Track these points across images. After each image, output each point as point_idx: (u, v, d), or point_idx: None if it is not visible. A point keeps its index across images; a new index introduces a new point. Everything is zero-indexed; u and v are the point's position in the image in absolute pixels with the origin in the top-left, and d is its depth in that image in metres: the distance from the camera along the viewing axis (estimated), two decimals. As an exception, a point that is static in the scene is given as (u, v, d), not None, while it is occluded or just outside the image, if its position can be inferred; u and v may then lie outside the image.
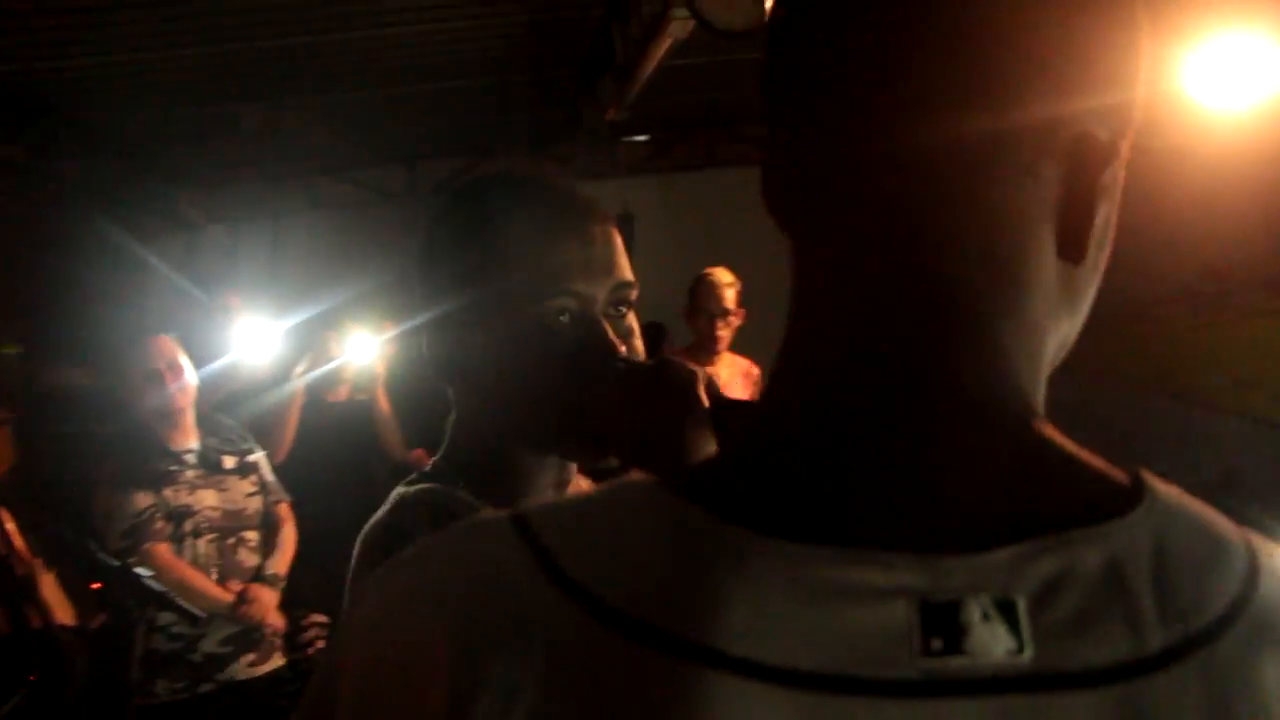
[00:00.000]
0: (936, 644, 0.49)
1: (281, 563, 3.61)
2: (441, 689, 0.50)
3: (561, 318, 1.14)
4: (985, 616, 0.49)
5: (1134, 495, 0.54)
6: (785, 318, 0.61)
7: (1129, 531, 0.53)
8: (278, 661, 3.58)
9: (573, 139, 6.84)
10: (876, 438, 0.54)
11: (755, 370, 4.23)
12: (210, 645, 3.42)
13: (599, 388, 1.10)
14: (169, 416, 3.51)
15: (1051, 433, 0.57)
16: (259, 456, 3.71)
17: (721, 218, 7.57)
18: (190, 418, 3.56)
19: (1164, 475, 0.58)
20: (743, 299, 4.23)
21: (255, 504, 3.61)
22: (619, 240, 1.19)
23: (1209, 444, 7.62)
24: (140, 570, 3.30)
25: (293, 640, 3.78)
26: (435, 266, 1.21)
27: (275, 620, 3.51)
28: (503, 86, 5.95)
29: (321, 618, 4.15)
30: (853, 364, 0.56)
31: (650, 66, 4.44)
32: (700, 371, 1.08)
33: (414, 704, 0.51)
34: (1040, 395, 0.58)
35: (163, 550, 3.36)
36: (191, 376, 3.54)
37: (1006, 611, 0.49)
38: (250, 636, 3.46)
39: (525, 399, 1.15)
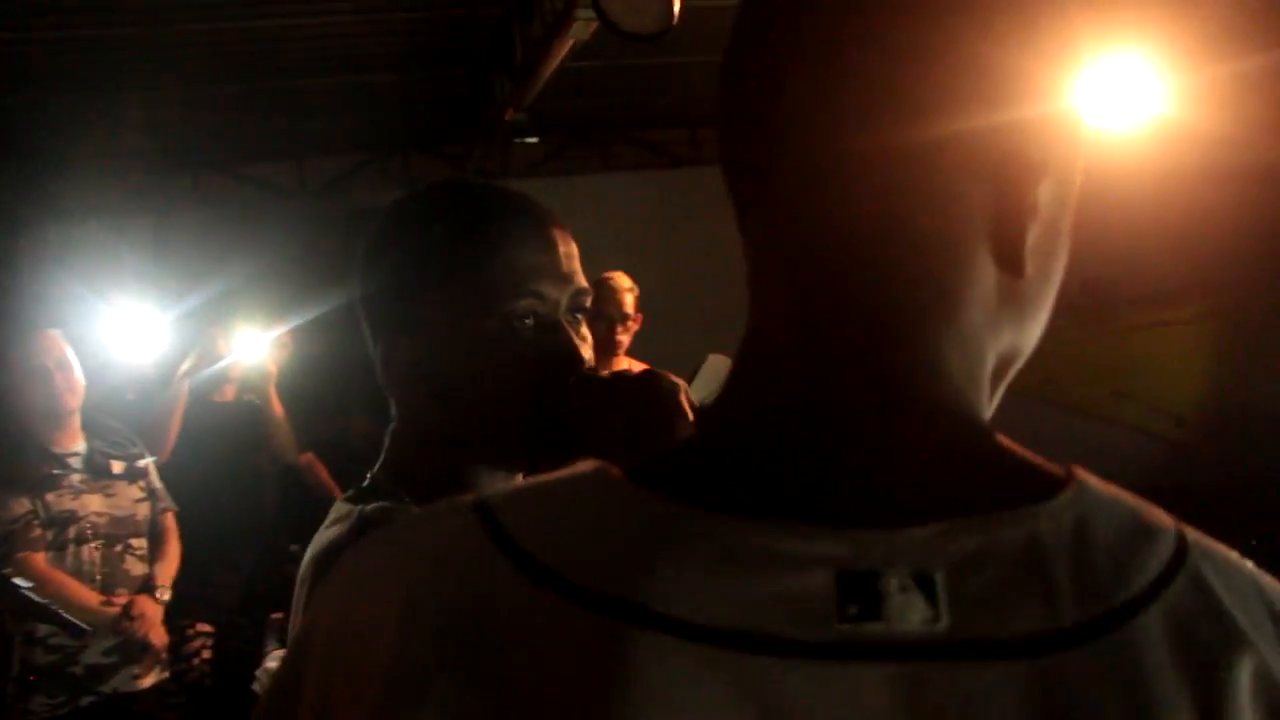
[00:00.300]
0: (853, 610, 0.51)
1: (167, 574, 3.48)
2: (380, 668, 0.52)
3: (526, 320, 1.12)
4: (903, 587, 0.52)
5: (1061, 484, 0.57)
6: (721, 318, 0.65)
7: (1052, 514, 0.55)
8: (162, 674, 3.46)
9: (466, 139, 6.76)
10: (812, 426, 0.58)
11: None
12: (92, 656, 3.27)
13: (565, 396, 1.10)
14: (55, 417, 3.36)
15: (987, 430, 0.60)
16: (148, 462, 3.56)
17: (618, 222, 7.58)
18: (77, 419, 3.41)
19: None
20: (640, 304, 4.23)
21: (143, 510, 3.47)
22: (575, 247, 1.18)
23: (1089, 452, 7.84)
24: (19, 581, 3.14)
25: (177, 651, 3.65)
26: (384, 267, 1.17)
27: (160, 635, 3.37)
28: (396, 84, 5.85)
29: (206, 627, 4.03)
30: (794, 362, 0.60)
31: (551, 67, 4.41)
32: (680, 383, 1.13)
33: (362, 685, 0.53)
34: (981, 399, 0.61)
35: (38, 560, 3.20)
36: (80, 375, 3.38)
37: (924, 583, 0.52)
38: (134, 647, 3.32)
39: (485, 405, 1.12)
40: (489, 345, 1.12)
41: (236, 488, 4.31)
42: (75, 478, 3.35)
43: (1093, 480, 0.58)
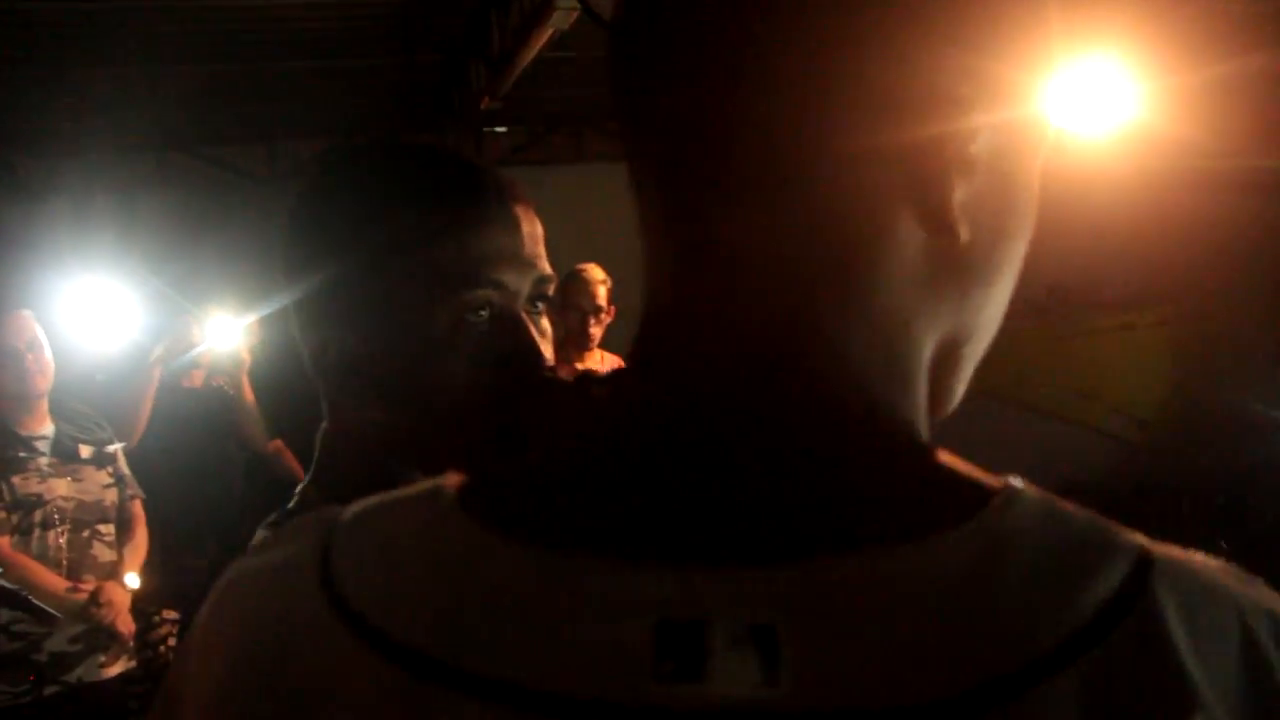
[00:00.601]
0: (668, 667, 0.42)
1: (135, 561, 3.44)
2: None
3: (482, 313, 0.96)
4: (733, 641, 0.42)
5: (981, 503, 0.46)
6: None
7: (953, 545, 0.44)
8: (129, 662, 3.41)
9: (440, 127, 6.72)
10: (658, 438, 0.49)
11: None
12: (58, 644, 3.22)
13: (523, 399, 0.95)
14: (24, 400, 3.30)
15: (898, 432, 0.50)
16: (116, 447, 3.52)
17: (592, 213, 7.55)
18: (45, 403, 3.36)
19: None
20: (614, 296, 4.22)
21: (111, 496, 3.42)
22: (540, 227, 1.01)
23: (1053, 453, 7.91)
24: None
25: (144, 638, 3.61)
26: (312, 245, 1.00)
27: (127, 623, 3.32)
28: (371, 69, 5.80)
29: (173, 614, 3.99)
30: (657, 363, 0.52)
31: (529, 56, 4.39)
32: None
33: None
34: (903, 392, 0.51)
35: (2, 544, 3.15)
36: (50, 358, 3.33)
37: (761, 637, 0.42)
38: (101, 634, 3.27)
39: (431, 410, 0.97)
40: (437, 342, 0.95)
41: (204, 474, 4.27)
42: (42, 461, 3.30)
43: (1031, 496, 0.47)
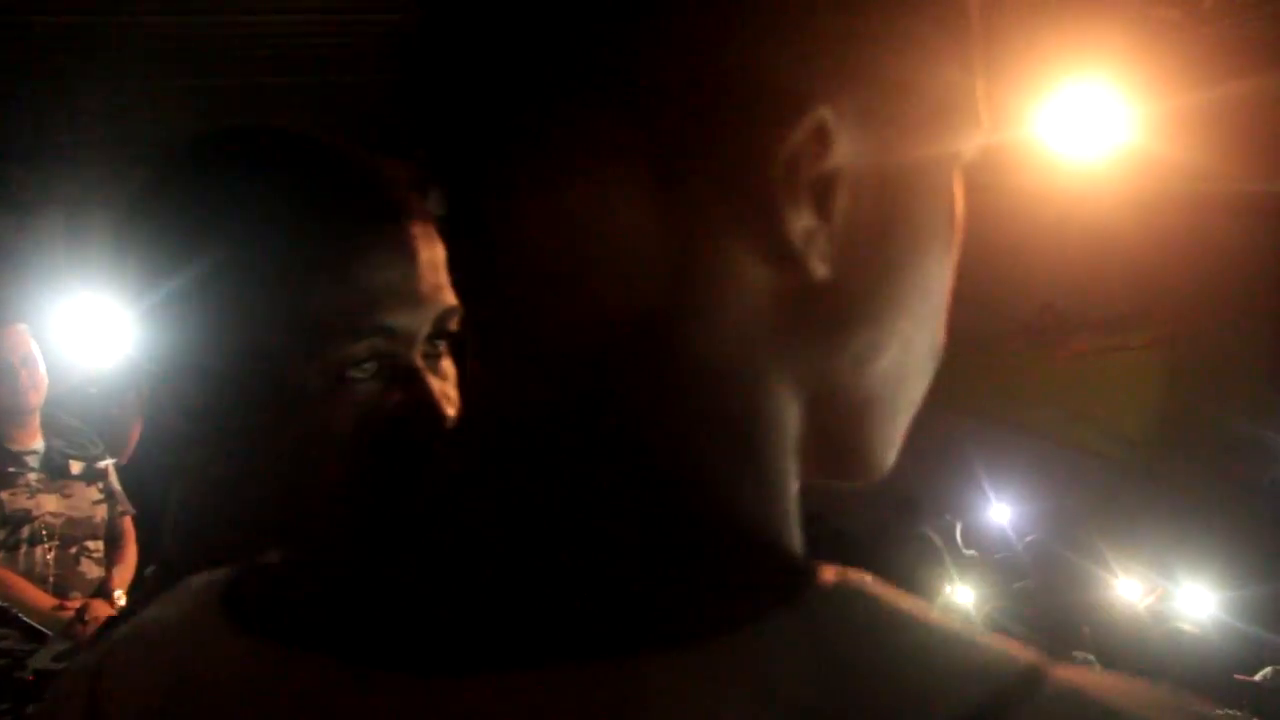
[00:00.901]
0: None
1: (124, 578, 3.42)
2: None
3: (366, 367, 0.76)
4: None
5: (771, 608, 0.37)
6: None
7: (721, 664, 0.35)
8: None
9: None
10: (416, 521, 0.43)
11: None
12: (42, 662, 3.19)
13: (421, 469, 0.75)
14: (17, 415, 3.29)
15: (712, 518, 0.40)
16: (108, 464, 3.50)
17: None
18: (37, 418, 3.35)
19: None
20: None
21: (101, 512, 3.42)
22: (439, 244, 0.77)
23: (1045, 475, 7.91)
24: None
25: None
26: (144, 272, 0.80)
27: None
28: (366, 85, 5.81)
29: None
30: (452, 439, 0.47)
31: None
32: None
33: None
34: (751, 463, 0.42)
35: (-10, 560, 3.15)
36: (43, 372, 3.32)
37: None
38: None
39: (308, 485, 0.76)
40: (311, 406, 0.75)
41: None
42: (32, 476, 3.29)
43: (837, 596, 0.38)
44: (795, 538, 0.42)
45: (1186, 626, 5.50)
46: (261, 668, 0.41)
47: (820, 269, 0.40)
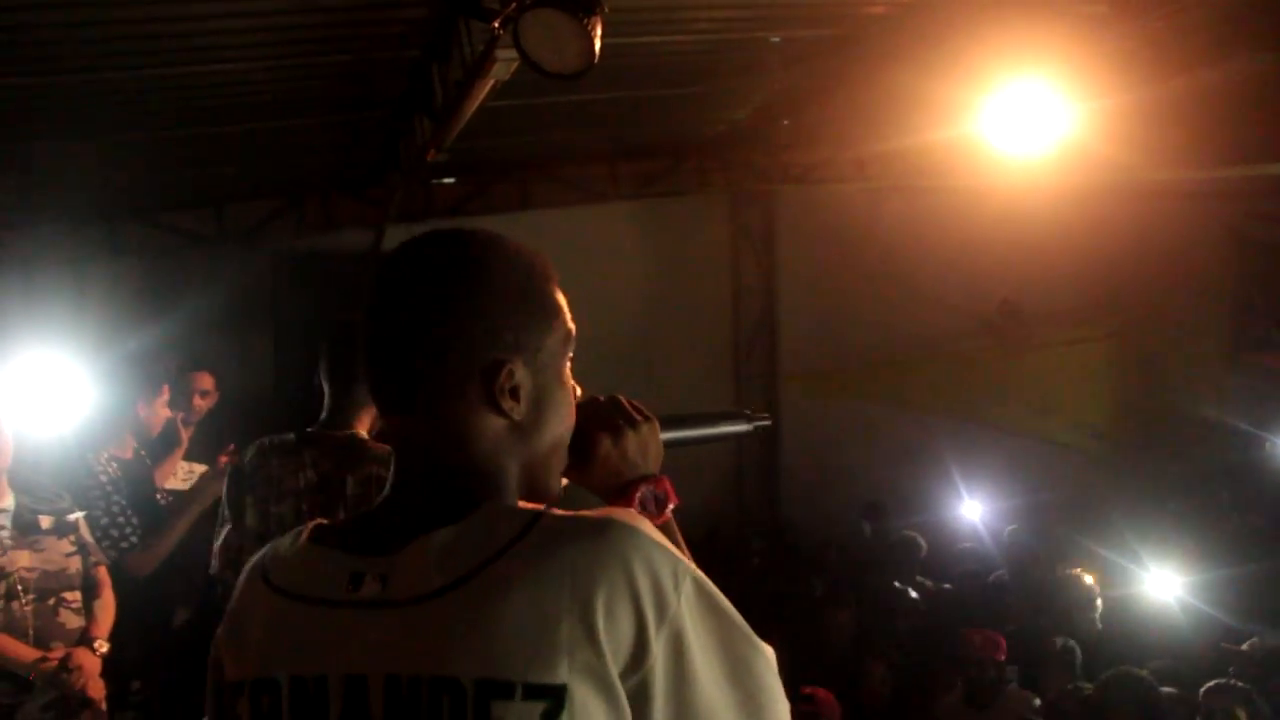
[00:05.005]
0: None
1: (103, 627, 3.43)
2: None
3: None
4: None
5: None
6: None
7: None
8: (102, 728, 3.39)
9: (387, 181, 6.76)
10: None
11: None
12: (31, 714, 3.22)
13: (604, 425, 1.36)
14: None
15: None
16: (78, 516, 3.51)
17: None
18: (4, 476, 3.36)
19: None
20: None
21: (75, 564, 3.42)
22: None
23: (1020, 469, 8.00)
24: None
25: (117, 703, 3.58)
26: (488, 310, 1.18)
27: (98, 688, 3.31)
28: (318, 127, 5.84)
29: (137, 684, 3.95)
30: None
31: (472, 107, 4.44)
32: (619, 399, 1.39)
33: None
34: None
35: (-33, 618, 3.14)
36: (8, 434, 3.33)
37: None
38: (74, 701, 3.26)
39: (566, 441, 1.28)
40: (567, 391, 1.26)
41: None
42: (3, 534, 3.29)
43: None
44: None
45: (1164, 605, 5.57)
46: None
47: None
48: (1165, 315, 9.10)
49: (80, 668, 3.25)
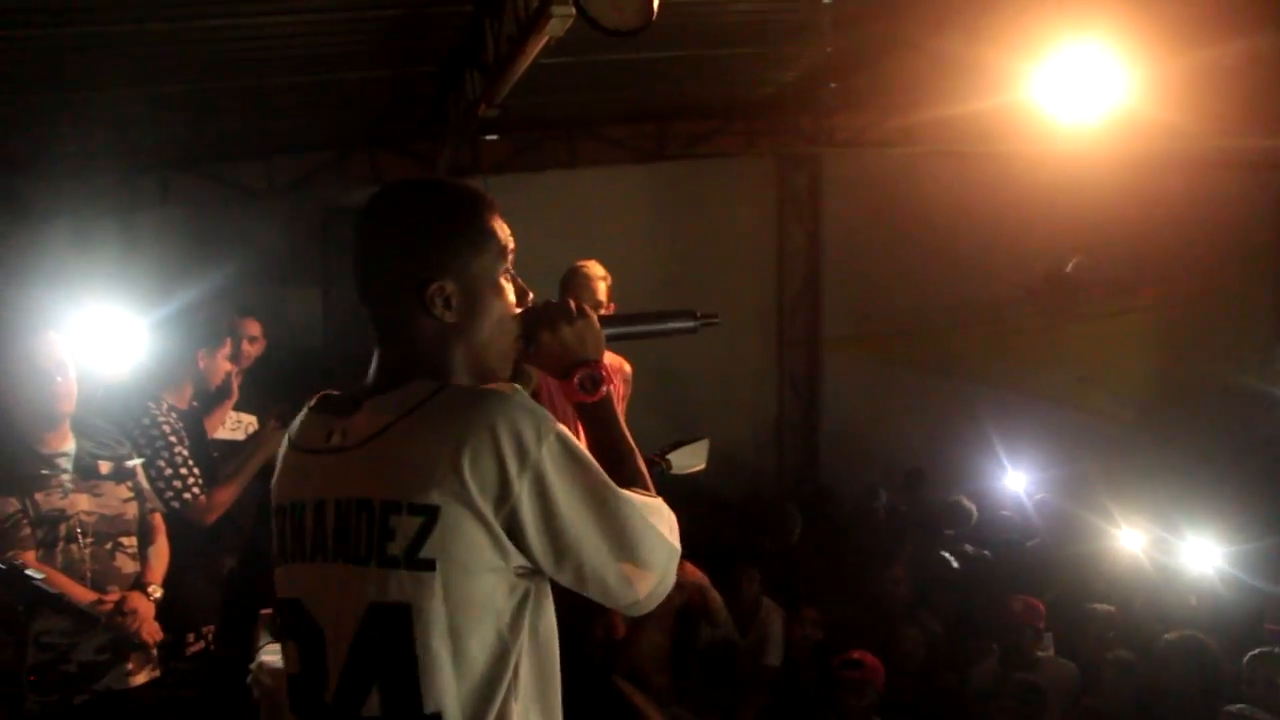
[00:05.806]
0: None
1: (158, 572, 3.50)
2: None
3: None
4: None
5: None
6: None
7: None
8: (154, 671, 3.46)
9: (434, 136, 6.78)
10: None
11: (628, 366, 4.21)
12: (85, 654, 3.28)
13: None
14: (50, 420, 3.36)
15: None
16: (136, 463, 3.57)
17: (584, 215, 7.62)
18: (68, 421, 3.41)
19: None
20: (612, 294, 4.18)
21: (132, 510, 3.48)
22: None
23: (1058, 440, 7.95)
24: (31, 572, 3.14)
25: (170, 649, 3.65)
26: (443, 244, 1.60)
27: (152, 631, 3.38)
28: (368, 81, 5.86)
29: (209, 628, 4.03)
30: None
31: (525, 63, 4.43)
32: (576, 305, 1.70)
33: None
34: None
35: (29, 558, 3.20)
36: (74, 378, 3.39)
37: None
38: (127, 644, 3.33)
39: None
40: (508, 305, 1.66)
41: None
42: (64, 478, 3.35)
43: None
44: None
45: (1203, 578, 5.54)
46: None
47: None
48: (1212, 286, 8.99)
49: (135, 611, 3.31)
